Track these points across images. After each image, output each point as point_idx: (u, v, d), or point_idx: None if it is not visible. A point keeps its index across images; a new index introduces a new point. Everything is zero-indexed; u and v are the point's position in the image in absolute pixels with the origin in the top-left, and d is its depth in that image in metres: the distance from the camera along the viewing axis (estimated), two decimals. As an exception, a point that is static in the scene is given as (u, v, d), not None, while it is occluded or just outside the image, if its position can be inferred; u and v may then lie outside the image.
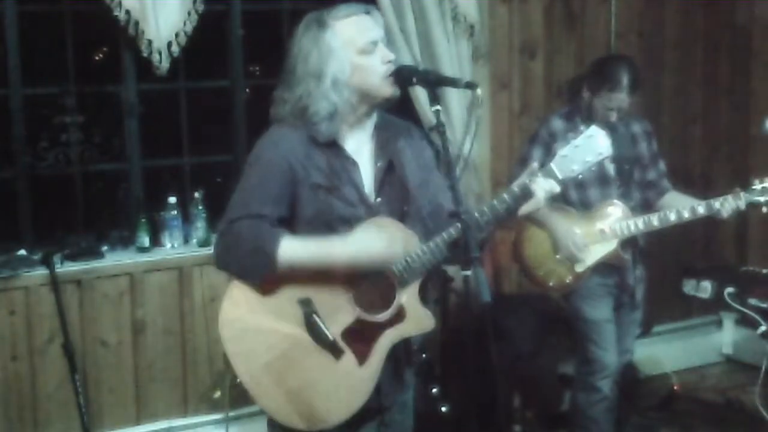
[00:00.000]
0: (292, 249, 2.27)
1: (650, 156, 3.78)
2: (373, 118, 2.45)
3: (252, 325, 2.35)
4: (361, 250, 2.29)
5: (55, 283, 3.61)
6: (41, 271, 3.65)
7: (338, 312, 2.34)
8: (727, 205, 3.50)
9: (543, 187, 2.29)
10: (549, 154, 3.59)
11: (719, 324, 5.23)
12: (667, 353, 4.91)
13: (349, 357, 2.34)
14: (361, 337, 2.35)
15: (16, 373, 3.65)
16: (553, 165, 2.31)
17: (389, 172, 2.44)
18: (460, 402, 3.87)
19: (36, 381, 3.69)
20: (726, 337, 5.23)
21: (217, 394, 3.92)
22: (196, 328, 3.95)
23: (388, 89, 2.37)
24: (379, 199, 2.41)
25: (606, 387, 3.72)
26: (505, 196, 2.32)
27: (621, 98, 3.52)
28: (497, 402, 3.76)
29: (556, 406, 4.34)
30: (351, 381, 2.35)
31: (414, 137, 2.55)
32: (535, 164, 2.35)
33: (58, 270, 3.64)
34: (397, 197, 2.43)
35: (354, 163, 2.39)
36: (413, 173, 2.47)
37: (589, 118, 3.60)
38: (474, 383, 3.78)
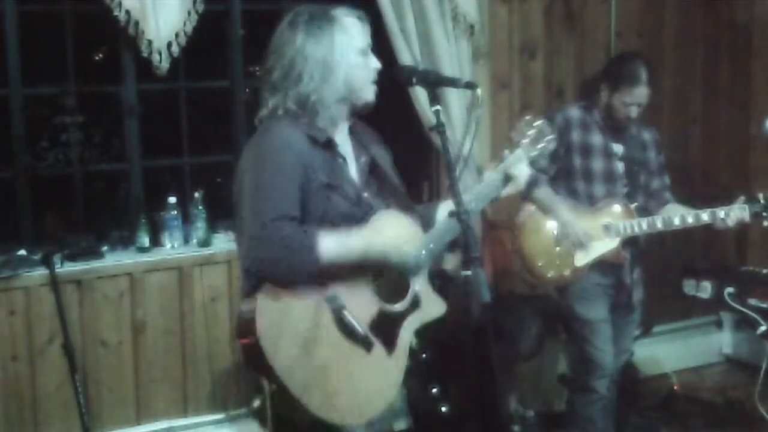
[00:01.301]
0: (331, 247, 2.28)
1: (657, 165, 3.81)
2: (350, 120, 2.52)
3: (288, 324, 2.29)
4: (394, 244, 2.37)
5: (55, 283, 3.60)
6: (41, 271, 3.65)
7: (363, 305, 2.37)
8: (732, 214, 3.50)
9: (521, 170, 2.53)
10: (563, 141, 3.64)
11: (719, 324, 5.22)
12: (667, 353, 4.91)
13: (378, 349, 2.38)
14: (386, 327, 2.40)
15: (16, 373, 3.65)
16: (519, 150, 2.55)
17: (373, 167, 2.52)
18: (460, 402, 3.86)
19: (36, 381, 3.69)
20: (726, 337, 5.22)
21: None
22: (196, 328, 3.95)
23: (370, 95, 2.46)
24: (366, 194, 2.46)
25: (602, 387, 3.72)
26: (492, 183, 2.53)
27: (641, 92, 3.59)
28: (497, 402, 3.76)
29: (556, 406, 4.34)
30: (384, 372, 2.39)
31: (379, 141, 2.62)
32: (506, 151, 2.54)
33: (58, 270, 3.64)
34: (380, 192, 2.52)
35: (345, 161, 2.46)
36: (390, 171, 2.57)
37: (609, 116, 3.65)
38: (474, 383, 3.78)
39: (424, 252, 2.44)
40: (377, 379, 2.38)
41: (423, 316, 2.48)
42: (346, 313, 2.33)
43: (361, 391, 2.36)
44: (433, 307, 2.52)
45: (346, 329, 2.33)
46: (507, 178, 2.54)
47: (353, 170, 2.48)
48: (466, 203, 2.36)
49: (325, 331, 2.32)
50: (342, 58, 2.38)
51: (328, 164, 2.39)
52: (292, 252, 2.24)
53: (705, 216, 3.55)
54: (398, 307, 2.43)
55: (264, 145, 2.38)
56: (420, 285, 2.48)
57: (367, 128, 2.62)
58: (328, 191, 2.36)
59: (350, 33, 2.40)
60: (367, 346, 2.36)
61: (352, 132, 2.53)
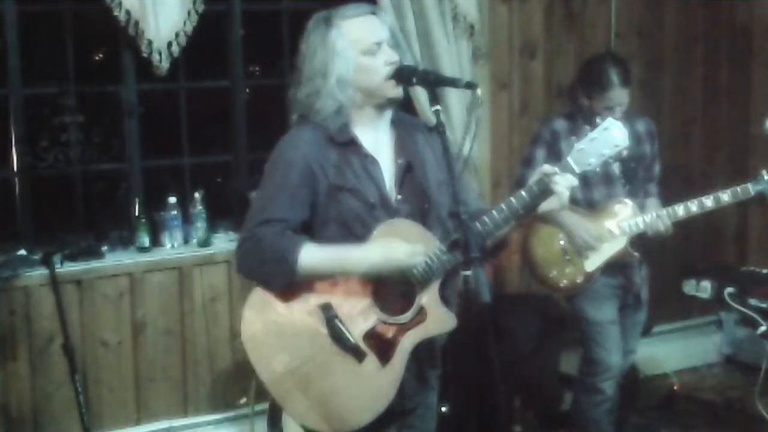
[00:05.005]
0: (312, 258, 2.30)
1: (651, 157, 3.78)
2: (388, 116, 2.46)
3: (274, 332, 2.37)
4: (380, 260, 2.31)
5: (55, 283, 3.60)
6: (41, 271, 3.65)
7: (360, 315, 2.36)
8: (735, 195, 3.50)
9: (563, 184, 2.26)
10: (552, 153, 3.60)
11: (719, 324, 5.23)
12: (667, 353, 4.91)
13: (371, 359, 2.36)
14: (383, 339, 2.37)
15: (16, 373, 3.65)
16: (570, 159, 2.29)
17: (409, 169, 2.44)
18: (460, 402, 3.86)
19: (36, 381, 3.69)
20: (726, 337, 5.22)
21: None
22: (196, 328, 3.95)
23: (390, 90, 2.40)
24: (400, 197, 2.41)
25: (609, 388, 3.70)
26: (524, 193, 2.30)
27: (617, 95, 3.51)
28: (497, 402, 3.76)
29: (557, 407, 4.33)
30: (374, 383, 2.37)
31: (433, 136, 2.53)
32: (546, 166, 2.31)
33: (58, 270, 3.64)
34: (417, 194, 2.44)
35: (374, 161, 2.40)
36: (433, 172, 2.47)
37: (592, 121, 3.59)
38: (474, 383, 3.78)
39: (426, 261, 2.33)
40: (366, 390, 2.37)
41: (427, 330, 2.39)
42: (337, 321, 2.34)
43: (347, 400, 2.36)
44: (440, 321, 2.40)
45: (337, 338, 2.34)
46: (547, 192, 2.29)
47: (386, 171, 2.42)
48: (497, 211, 2.30)
49: (315, 338, 2.34)
50: (338, 64, 2.34)
51: (346, 164, 2.35)
52: (269, 257, 2.30)
53: (709, 202, 3.53)
54: (399, 319, 2.38)
55: (274, 152, 2.41)
56: (427, 298, 2.38)
57: (423, 126, 2.57)
58: (337, 192, 2.34)
59: (349, 36, 2.35)
60: (358, 356, 2.35)
61: (397, 129, 2.47)
